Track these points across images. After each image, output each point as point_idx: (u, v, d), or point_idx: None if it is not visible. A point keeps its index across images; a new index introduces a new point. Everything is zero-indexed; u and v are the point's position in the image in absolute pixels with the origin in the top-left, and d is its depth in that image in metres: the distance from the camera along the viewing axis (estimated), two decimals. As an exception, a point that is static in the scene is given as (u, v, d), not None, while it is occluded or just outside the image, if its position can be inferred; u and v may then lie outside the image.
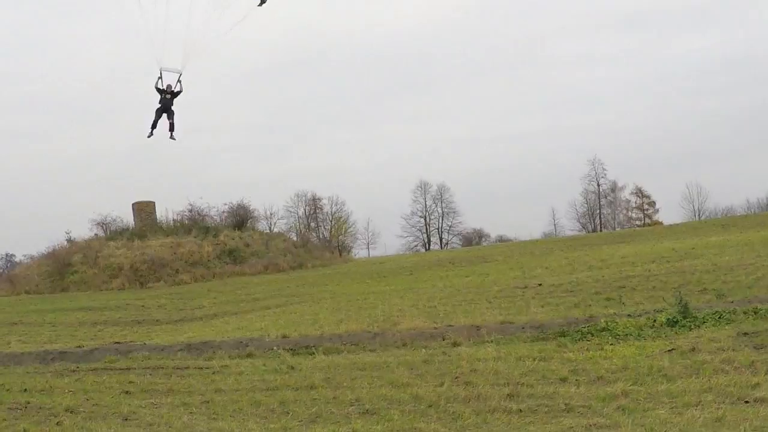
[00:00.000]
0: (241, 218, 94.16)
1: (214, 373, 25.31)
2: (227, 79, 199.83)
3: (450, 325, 30.59)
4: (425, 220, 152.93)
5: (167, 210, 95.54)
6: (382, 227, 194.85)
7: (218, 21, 28.05)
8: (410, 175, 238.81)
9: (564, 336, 26.08)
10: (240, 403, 19.90)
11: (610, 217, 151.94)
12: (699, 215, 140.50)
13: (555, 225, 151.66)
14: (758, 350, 20.89)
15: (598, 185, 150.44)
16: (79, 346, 34.62)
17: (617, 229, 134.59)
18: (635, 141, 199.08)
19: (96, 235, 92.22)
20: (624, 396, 17.34)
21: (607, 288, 36.66)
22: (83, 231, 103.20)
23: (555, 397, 17.90)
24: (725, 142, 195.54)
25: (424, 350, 26.27)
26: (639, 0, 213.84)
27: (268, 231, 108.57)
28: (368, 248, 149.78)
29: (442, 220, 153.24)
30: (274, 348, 29.41)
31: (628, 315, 28.54)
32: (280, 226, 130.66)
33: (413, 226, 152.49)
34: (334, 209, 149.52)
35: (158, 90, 31.36)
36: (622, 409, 16.27)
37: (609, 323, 26.55)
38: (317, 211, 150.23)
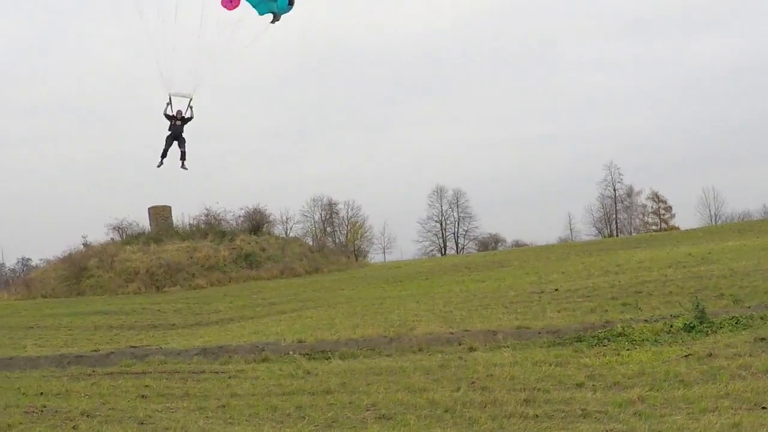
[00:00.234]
0: (257, 223, 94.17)
1: (230, 377, 25.31)
2: (242, 84, 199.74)
3: (466, 330, 30.57)
4: (441, 224, 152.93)
5: (183, 214, 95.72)
6: (398, 232, 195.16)
7: (229, 42, 27.37)
8: (426, 179, 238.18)
9: (580, 341, 26.04)
10: (256, 407, 19.89)
11: (627, 222, 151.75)
12: (715, 220, 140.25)
13: (571, 230, 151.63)
14: (775, 356, 20.84)
15: (615, 190, 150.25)
16: (95, 350, 34.67)
17: (633, 234, 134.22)
18: (651, 145, 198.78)
19: (112, 239, 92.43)
20: (640, 401, 17.29)
21: (624, 293, 36.60)
22: (99, 235, 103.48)
23: (571, 402, 17.85)
24: (742, 147, 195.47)
25: (440, 355, 26.25)
26: (654, 5, 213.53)
27: (284, 236, 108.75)
28: (384, 253, 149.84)
29: (458, 224, 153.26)
30: (290, 353, 29.40)
31: (645, 320, 28.47)
32: (296, 230, 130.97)
33: (429, 231, 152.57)
34: (350, 214, 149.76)
35: (167, 117, 29.72)
36: (639, 415, 16.21)
37: (625, 328, 26.50)
38: (333, 215, 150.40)
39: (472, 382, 21.04)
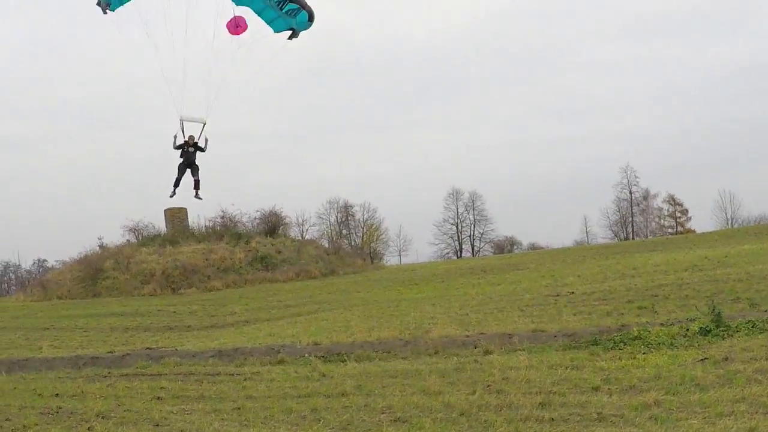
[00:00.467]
0: (272, 225, 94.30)
1: (245, 379, 25.30)
2: (258, 86, 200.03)
3: (482, 333, 30.56)
4: (457, 227, 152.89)
5: (199, 216, 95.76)
6: (414, 234, 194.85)
7: (244, 61, 26.50)
8: (442, 182, 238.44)
9: (596, 344, 25.98)
10: (271, 409, 19.88)
11: (643, 225, 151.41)
12: (732, 223, 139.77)
13: (587, 233, 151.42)
14: (792, 360, 20.76)
15: (630, 193, 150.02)
16: (111, 352, 34.75)
17: (649, 237, 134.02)
18: (667, 148, 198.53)
19: (128, 241, 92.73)
20: (656, 405, 17.23)
21: (640, 296, 36.50)
22: (115, 237, 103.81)
23: (587, 406, 17.81)
24: (758, 150, 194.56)
25: (455, 358, 26.20)
26: (669, 6, 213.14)
27: (300, 238, 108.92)
28: (400, 255, 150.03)
29: (474, 227, 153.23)
30: (306, 355, 29.40)
31: (661, 324, 28.43)
32: (311, 233, 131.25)
33: (445, 234, 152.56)
34: (365, 216, 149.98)
35: (178, 148, 28.22)
36: (655, 419, 16.16)
37: (641, 332, 26.43)
38: (349, 218, 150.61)
39: (488, 386, 21.00)
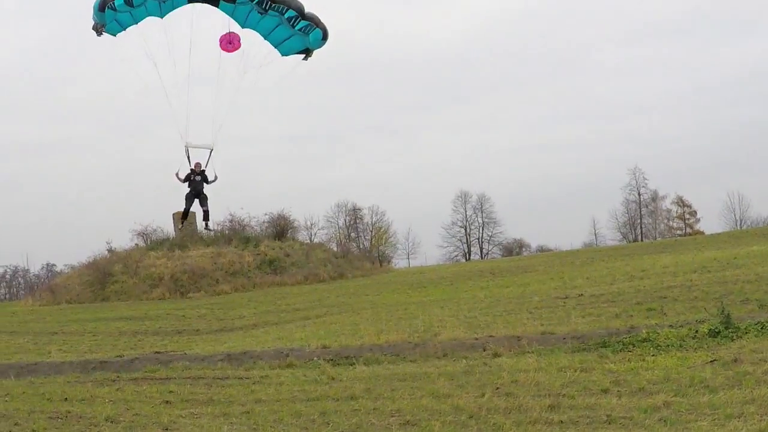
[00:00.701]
0: (281, 228, 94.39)
1: (254, 383, 25.28)
2: (267, 88, 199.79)
3: (491, 336, 30.51)
4: (465, 230, 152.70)
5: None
6: (423, 237, 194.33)
7: (251, 87, 25.82)
8: (451, 184, 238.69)
9: (605, 347, 25.93)
10: (280, 413, 19.87)
11: (651, 226, 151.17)
12: (741, 225, 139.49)
13: (596, 235, 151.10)
14: (802, 361, 20.72)
15: (639, 195, 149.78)
16: (120, 356, 34.74)
17: (658, 239, 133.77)
18: (676, 150, 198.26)
19: (137, 245, 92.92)
20: (666, 407, 17.20)
21: (649, 298, 36.46)
22: (124, 241, 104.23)
23: (596, 408, 17.78)
24: (767, 151, 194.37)
25: (464, 361, 26.18)
26: (680, 8, 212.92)
27: (309, 241, 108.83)
28: (408, 258, 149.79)
29: (483, 230, 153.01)
30: (315, 358, 29.38)
31: (670, 325, 28.37)
32: (320, 236, 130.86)
33: (453, 236, 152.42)
34: (374, 219, 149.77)
35: (184, 179, 26.96)
36: (664, 421, 16.13)
37: (650, 334, 26.38)
38: (357, 221, 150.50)
39: (497, 388, 20.98)
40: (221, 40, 24.98)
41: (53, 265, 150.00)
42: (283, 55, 25.77)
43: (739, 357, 21.75)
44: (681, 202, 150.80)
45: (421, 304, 47.43)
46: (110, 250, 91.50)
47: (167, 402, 22.83)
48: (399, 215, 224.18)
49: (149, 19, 24.79)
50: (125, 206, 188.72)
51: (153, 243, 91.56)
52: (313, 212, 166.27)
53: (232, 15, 24.83)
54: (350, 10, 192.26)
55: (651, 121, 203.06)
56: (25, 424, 19.91)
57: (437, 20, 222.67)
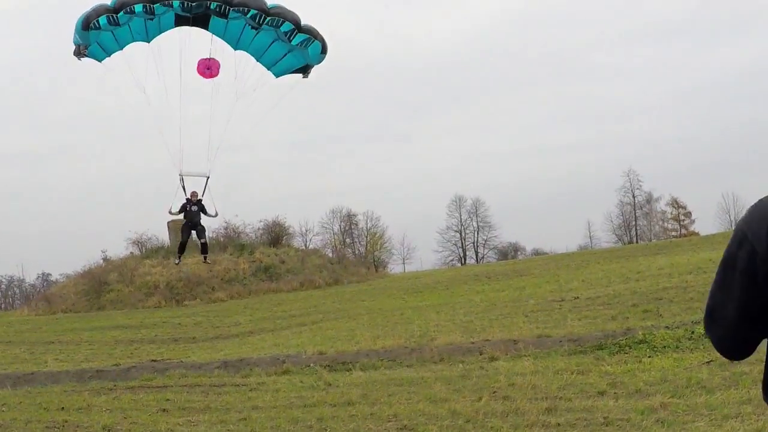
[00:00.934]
0: (276, 235, 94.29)
1: (251, 390, 25.30)
2: (262, 94, 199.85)
3: (487, 340, 30.54)
4: (461, 234, 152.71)
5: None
6: (418, 242, 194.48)
7: (252, 105, 24.79)
8: (446, 189, 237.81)
9: (601, 349, 25.98)
10: (277, 420, 19.87)
11: (646, 228, 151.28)
12: (735, 225, 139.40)
13: (591, 237, 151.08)
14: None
15: (634, 197, 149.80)
16: (116, 365, 34.73)
17: (653, 241, 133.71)
18: (670, 151, 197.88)
19: (131, 253, 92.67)
20: (663, 408, 17.22)
21: (644, 300, 36.50)
22: (119, 250, 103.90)
23: (593, 410, 17.80)
24: (762, 152, 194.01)
25: (461, 365, 26.21)
26: (674, 10, 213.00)
27: (304, 248, 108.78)
28: (404, 263, 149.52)
29: (478, 234, 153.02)
30: (311, 364, 29.39)
31: (666, 327, 28.38)
32: (315, 242, 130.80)
33: (449, 241, 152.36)
34: (369, 225, 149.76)
35: (180, 211, 26.45)
36: (661, 422, 16.15)
37: (646, 335, 26.41)
38: (352, 227, 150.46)
39: (494, 392, 21.00)
40: (199, 64, 23.97)
41: (48, 274, 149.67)
42: (276, 77, 24.84)
43: (735, 357, 21.75)
44: (676, 204, 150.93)
45: (417, 309, 47.43)
46: (105, 259, 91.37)
47: (164, 410, 22.84)
48: (394, 220, 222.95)
49: (133, 45, 24.04)
50: (120, 215, 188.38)
51: (148, 251, 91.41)
52: (308, 218, 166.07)
53: (223, 33, 23.63)
54: (348, 15, 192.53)
55: (649, 123, 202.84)
56: (22, 434, 19.92)
57: (431, 26, 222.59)
